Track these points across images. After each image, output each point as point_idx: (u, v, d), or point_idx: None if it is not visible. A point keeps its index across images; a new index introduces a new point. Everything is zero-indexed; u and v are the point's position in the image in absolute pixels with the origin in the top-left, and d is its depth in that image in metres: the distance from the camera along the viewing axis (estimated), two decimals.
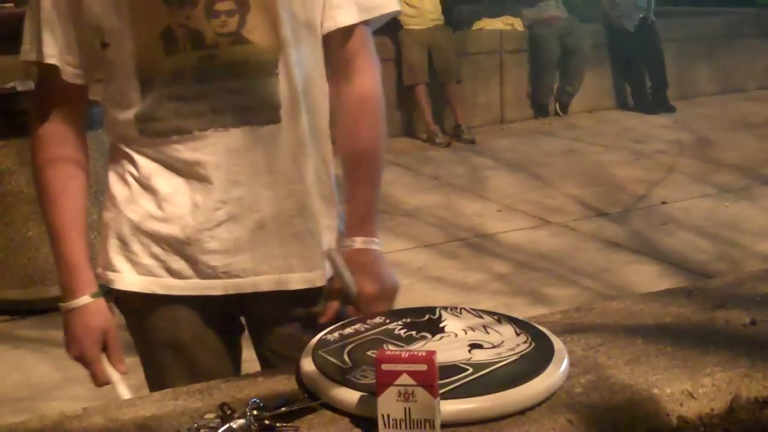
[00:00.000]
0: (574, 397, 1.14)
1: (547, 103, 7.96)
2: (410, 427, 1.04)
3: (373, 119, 1.51)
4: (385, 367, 1.03)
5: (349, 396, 1.11)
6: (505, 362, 1.17)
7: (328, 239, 1.50)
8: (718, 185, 5.86)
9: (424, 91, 6.98)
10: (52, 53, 1.39)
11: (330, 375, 1.16)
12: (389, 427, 1.04)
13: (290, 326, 1.50)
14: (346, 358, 1.21)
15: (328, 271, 1.48)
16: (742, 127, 7.42)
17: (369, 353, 1.20)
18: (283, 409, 1.10)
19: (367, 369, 1.16)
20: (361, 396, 1.10)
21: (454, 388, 1.10)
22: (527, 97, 7.88)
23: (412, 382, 1.03)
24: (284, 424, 1.08)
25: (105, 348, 1.44)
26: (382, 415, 1.04)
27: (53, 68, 1.40)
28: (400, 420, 1.04)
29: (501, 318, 1.31)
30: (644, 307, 1.46)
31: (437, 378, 1.03)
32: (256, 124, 1.40)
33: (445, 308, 1.35)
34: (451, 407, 1.06)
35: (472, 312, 1.34)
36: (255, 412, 1.08)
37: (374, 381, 1.05)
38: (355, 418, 1.10)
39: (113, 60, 1.39)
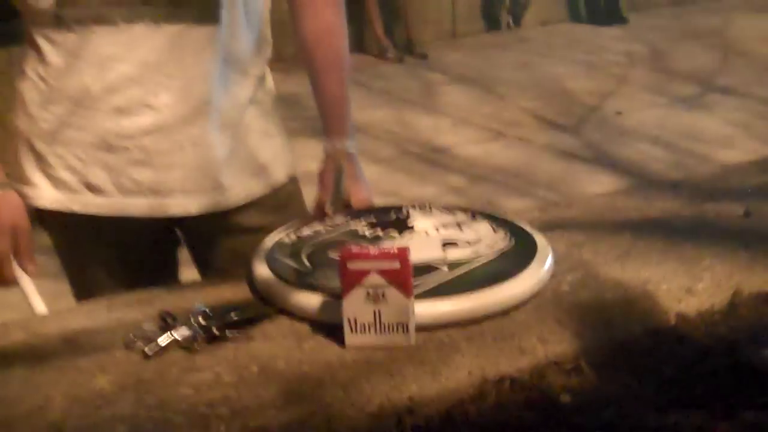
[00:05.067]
0: (561, 296, 1.02)
1: (499, 15, 7.76)
2: (381, 332, 0.91)
3: (336, 3, 1.38)
4: (351, 265, 0.90)
5: (310, 300, 0.98)
6: (483, 261, 1.04)
7: (270, 152, 1.35)
8: (672, 95, 5.81)
9: (375, 4, 6.73)
10: None
11: (287, 279, 1.02)
12: (357, 332, 0.91)
13: (234, 239, 1.35)
14: (305, 260, 1.07)
15: (278, 174, 1.35)
16: (693, 38, 7.34)
17: (331, 255, 1.07)
18: (233, 316, 0.96)
19: (329, 272, 1.02)
20: (324, 300, 0.96)
21: (430, 289, 0.97)
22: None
23: (382, 281, 0.89)
24: (236, 334, 0.94)
25: (15, 246, 1.26)
26: (349, 320, 0.91)
27: None
28: (369, 324, 0.91)
29: (475, 214, 1.18)
30: (628, 201, 1.34)
31: (411, 276, 0.90)
32: (191, 22, 1.22)
33: (414, 206, 1.22)
34: (426, 309, 0.94)
35: (444, 209, 1.20)
36: (202, 321, 0.94)
37: (338, 284, 0.92)
38: (317, 325, 0.97)
39: None
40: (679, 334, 0.98)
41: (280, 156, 1.38)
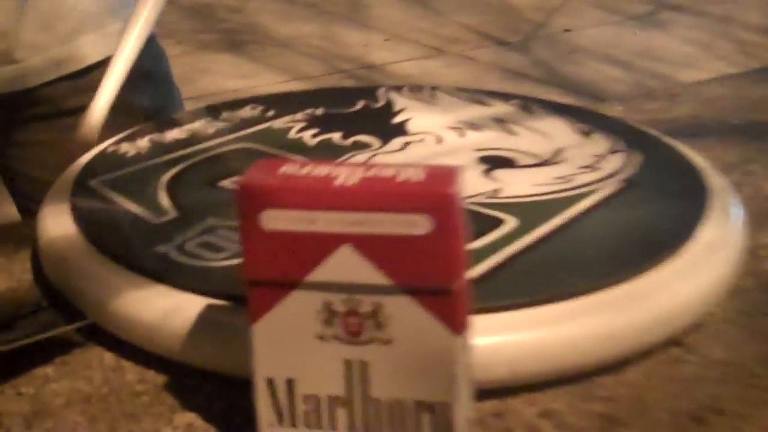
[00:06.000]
0: None
1: None
2: (361, 427, 0.30)
3: None
4: (273, 219, 0.28)
5: (171, 313, 0.37)
6: (591, 200, 0.44)
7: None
8: (623, 12, 5.41)
9: None
10: None
11: (116, 247, 0.41)
12: (291, 424, 0.31)
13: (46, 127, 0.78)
14: (162, 198, 0.46)
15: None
16: None
17: (226, 184, 0.46)
18: None
19: (220, 228, 0.41)
20: (207, 311, 0.36)
21: (485, 275, 0.37)
22: None
23: (373, 275, 0.28)
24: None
25: None
26: (271, 383, 0.30)
27: None
28: (327, 402, 0.30)
29: (529, 103, 0.58)
30: (759, 88, 0.75)
31: (465, 258, 0.29)
32: None
33: (398, 88, 0.61)
34: (487, 342, 0.33)
35: (459, 93, 0.60)
36: None
37: (242, 265, 0.31)
38: (187, 381, 0.36)
39: None
40: None
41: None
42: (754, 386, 0.36)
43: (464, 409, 0.30)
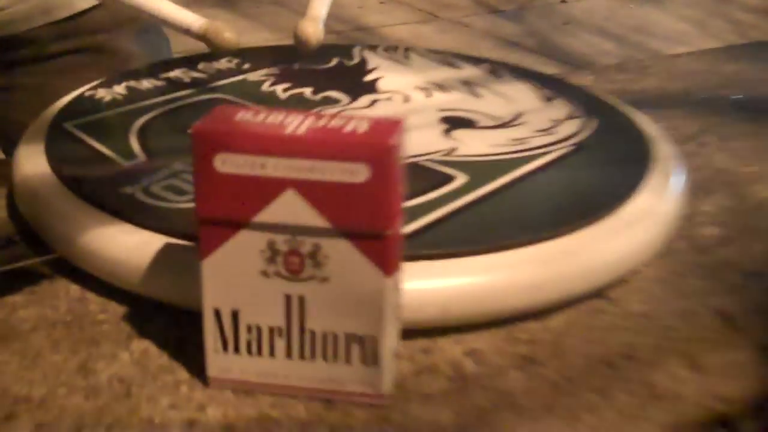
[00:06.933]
0: (708, 250, 0.46)
1: None
2: (302, 355, 0.33)
3: None
4: (225, 162, 0.31)
5: (133, 246, 0.39)
6: (540, 161, 0.46)
7: None
8: None
9: None
10: None
11: (85, 187, 0.43)
12: (236, 350, 0.33)
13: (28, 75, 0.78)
14: (133, 142, 0.48)
15: None
16: None
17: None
18: None
19: (184, 173, 0.43)
20: (165, 248, 0.38)
21: (428, 226, 0.39)
22: None
23: (314, 218, 0.31)
24: None
25: None
26: (217, 314, 0.33)
27: None
28: (269, 332, 0.33)
29: (498, 67, 0.60)
30: (731, 64, 0.77)
31: (401, 205, 0.32)
32: None
33: (373, 47, 0.63)
34: (421, 289, 0.36)
35: (431, 54, 0.62)
36: None
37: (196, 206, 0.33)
38: (145, 310, 0.39)
39: None
40: None
41: None
42: (666, 338, 0.38)
43: (391, 343, 0.33)
